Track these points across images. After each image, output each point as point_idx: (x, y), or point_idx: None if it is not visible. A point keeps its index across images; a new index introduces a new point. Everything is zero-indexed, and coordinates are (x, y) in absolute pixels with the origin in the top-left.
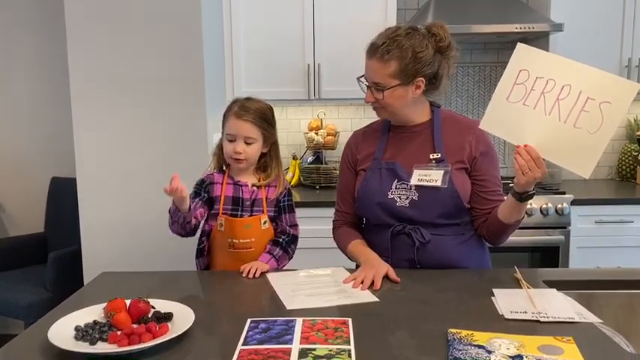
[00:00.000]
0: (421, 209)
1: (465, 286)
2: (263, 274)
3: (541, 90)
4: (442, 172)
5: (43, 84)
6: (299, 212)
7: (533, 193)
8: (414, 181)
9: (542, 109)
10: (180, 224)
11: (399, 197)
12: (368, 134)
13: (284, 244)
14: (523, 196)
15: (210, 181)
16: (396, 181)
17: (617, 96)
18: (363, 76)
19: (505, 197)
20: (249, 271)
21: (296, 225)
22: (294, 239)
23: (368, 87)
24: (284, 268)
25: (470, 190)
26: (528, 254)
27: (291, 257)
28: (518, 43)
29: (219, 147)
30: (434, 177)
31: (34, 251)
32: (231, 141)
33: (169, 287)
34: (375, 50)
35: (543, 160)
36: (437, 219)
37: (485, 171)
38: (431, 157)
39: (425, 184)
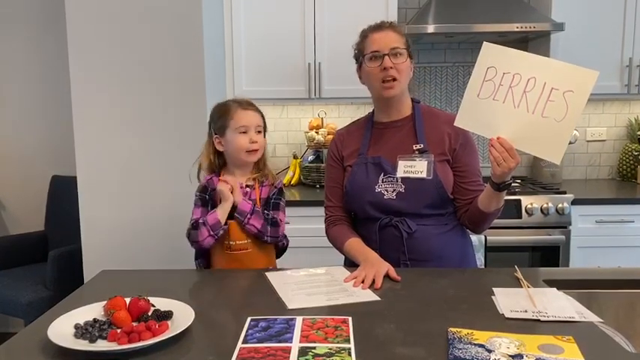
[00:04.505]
0: (408, 200)
1: (465, 285)
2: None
3: (508, 84)
4: (426, 162)
5: (44, 83)
6: (300, 211)
7: (510, 183)
8: (399, 173)
9: (511, 102)
10: (214, 235)
11: (386, 190)
12: (351, 132)
13: (269, 219)
14: (501, 186)
15: (212, 187)
16: (382, 174)
17: (579, 84)
18: (365, 55)
19: (485, 187)
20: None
21: (281, 220)
22: (274, 224)
23: (380, 57)
24: (284, 267)
25: (452, 181)
26: (529, 254)
27: (271, 237)
28: (484, 42)
29: (213, 148)
30: (419, 168)
31: (34, 249)
32: (243, 132)
33: (169, 285)
34: (383, 24)
35: (517, 150)
36: (423, 209)
37: (465, 162)
38: (414, 147)
39: (411, 175)
